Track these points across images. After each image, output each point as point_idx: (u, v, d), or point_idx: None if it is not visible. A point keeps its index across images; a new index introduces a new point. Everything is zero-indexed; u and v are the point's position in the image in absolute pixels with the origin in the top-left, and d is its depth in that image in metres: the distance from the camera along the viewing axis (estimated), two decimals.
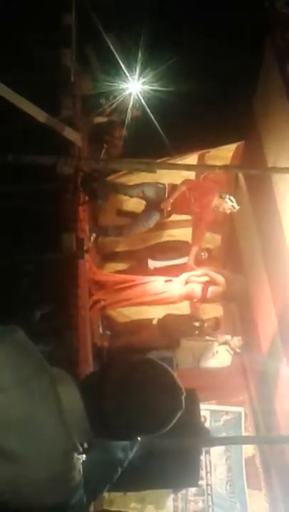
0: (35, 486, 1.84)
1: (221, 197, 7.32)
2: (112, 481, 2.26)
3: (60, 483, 1.88)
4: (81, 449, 1.96)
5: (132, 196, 7.79)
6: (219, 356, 7.32)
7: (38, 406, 1.86)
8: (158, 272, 8.34)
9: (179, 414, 2.00)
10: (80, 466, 1.96)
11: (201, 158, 7.61)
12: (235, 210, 7.45)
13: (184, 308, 8.28)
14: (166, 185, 7.54)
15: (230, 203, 7.32)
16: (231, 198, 7.33)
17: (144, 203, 7.81)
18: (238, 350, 7.39)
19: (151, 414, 1.96)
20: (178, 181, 7.88)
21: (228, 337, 7.51)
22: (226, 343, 7.39)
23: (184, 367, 7.31)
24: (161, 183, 7.60)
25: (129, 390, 1.94)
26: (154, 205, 7.63)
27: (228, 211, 7.47)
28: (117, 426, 1.94)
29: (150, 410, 1.94)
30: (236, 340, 7.41)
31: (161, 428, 2.00)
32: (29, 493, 1.84)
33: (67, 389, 1.93)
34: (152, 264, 8.54)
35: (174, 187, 7.51)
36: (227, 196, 7.32)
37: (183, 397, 2.01)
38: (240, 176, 7.82)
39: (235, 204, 7.34)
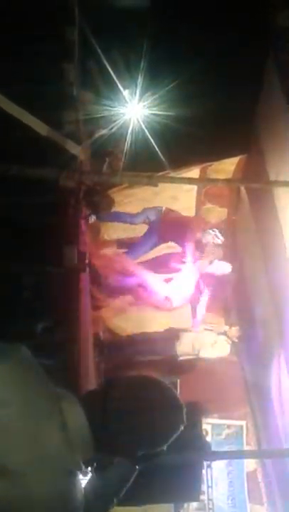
0: (36, 506, 1.83)
1: (205, 232, 7.48)
2: (112, 504, 2.24)
3: (60, 503, 1.87)
4: (84, 468, 1.97)
5: (136, 224, 7.85)
6: (218, 346, 7.38)
7: (42, 424, 1.86)
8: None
9: (181, 429, 2.04)
10: (81, 487, 1.96)
11: (203, 171, 7.62)
12: (220, 241, 7.54)
13: None
14: (164, 209, 7.63)
15: (212, 233, 7.46)
16: (215, 230, 7.50)
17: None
18: (235, 340, 7.46)
19: (155, 430, 1.99)
20: (179, 195, 7.95)
21: (226, 327, 7.61)
22: (224, 333, 7.46)
23: (184, 358, 7.44)
24: (159, 207, 7.76)
25: (132, 409, 1.96)
26: (154, 227, 7.70)
27: (213, 243, 7.53)
28: (121, 444, 1.97)
29: (153, 427, 1.98)
30: (234, 330, 7.49)
31: (163, 443, 2.04)
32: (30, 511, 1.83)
33: (71, 408, 1.94)
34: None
35: (171, 211, 7.56)
36: (210, 230, 7.48)
37: (184, 412, 2.04)
38: (242, 189, 7.84)
39: (218, 234, 7.48)
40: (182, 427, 2.04)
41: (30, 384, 1.91)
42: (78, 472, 1.93)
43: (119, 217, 7.88)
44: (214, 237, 7.49)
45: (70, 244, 5.86)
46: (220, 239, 7.52)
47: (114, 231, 8.36)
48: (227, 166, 7.63)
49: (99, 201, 6.34)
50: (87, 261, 5.98)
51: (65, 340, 5.45)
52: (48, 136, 5.83)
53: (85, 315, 5.99)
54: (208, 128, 6.34)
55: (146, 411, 1.96)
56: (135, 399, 1.98)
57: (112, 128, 6.16)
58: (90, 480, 2.19)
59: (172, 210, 7.88)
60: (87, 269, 6.07)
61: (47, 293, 5.60)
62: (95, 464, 2.04)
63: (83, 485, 2.01)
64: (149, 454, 2.20)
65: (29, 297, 5.50)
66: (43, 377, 1.98)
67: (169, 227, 7.65)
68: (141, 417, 1.95)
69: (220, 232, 7.59)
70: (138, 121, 6.18)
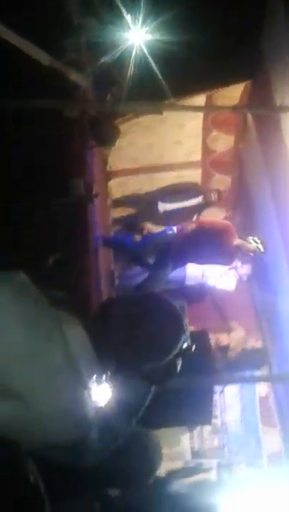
0: (47, 425, 1.87)
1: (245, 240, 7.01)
2: (130, 425, 2.29)
3: (69, 420, 1.90)
4: (91, 386, 1.99)
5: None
6: (226, 279, 7.40)
7: (44, 346, 1.88)
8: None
9: (183, 339, 2.08)
10: (92, 403, 1.99)
11: (209, 98, 7.49)
12: (260, 252, 7.09)
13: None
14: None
15: (254, 244, 6.98)
16: (255, 238, 7.00)
17: None
18: (244, 278, 7.48)
19: (157, 341, 2.01)
20: (186, 122, 7.84)
21: (238, 263, 7.60)
22: (234, 268, 7.49)
23: (192, 282, 7.53)
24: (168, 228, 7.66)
25: (133, 322, 1.98)
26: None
27: (252, 254, 7.10)
28: (125, 358, 1.99)
29: (155, 338, 2.00)
30: (245, 268, 7.49)
31: (167, 355, 2.06)
32: (42, 431, 1.88)
33: (72, 328, 1.95)
34: (162, 206, 8.54)
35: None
36: (250, 238, 7.01)
37: (184, 322, 2.08)
38: (249, 115, 7.72)
39: (260, 246, 6.99)
40: (184, 336, 2.07)
41: (29, 308, 1.92)
42: (85, 390, 1.96)
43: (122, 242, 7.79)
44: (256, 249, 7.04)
45: (77, 176, 5.84)
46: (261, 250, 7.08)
47: (120, 161, 8.32)
48: (233, 92, 7.47)
49: (104, 131, 6.26)
50: (94, 192, 5.95)
51: (76, 272, 5.50)
52: (50, 65, 5.73)
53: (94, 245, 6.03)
54: (213, 54, 6.19)
55: (145, 322, 1.98)
56: (133, 313, 2.01)
57: (114, 55, 6.01)
58: (107, 401, 2.23)
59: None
60: (95, 200, 6.06)
61: (56, 226, 5.61)
62: (109, 385, 2.08)
63: (98, 405, 2.04)
64: (162, 375, 2.25)
65: (39, 231, 5.52)
66: (42, 301, 1.98)
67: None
68: (140, 329, 1.97)
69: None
70: (141, 48, 6.03)
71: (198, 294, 7.66)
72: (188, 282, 7.72)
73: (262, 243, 6.89)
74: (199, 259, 7.07)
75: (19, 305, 1.91)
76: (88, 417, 1.96)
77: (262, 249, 6.94)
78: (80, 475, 2.19)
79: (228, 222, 7.31)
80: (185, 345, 2.25)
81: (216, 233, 6.80)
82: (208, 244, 6.70)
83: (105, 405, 2.22)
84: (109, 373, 2.06)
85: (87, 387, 1.97)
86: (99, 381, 2.01)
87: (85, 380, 1.96)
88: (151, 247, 7.27)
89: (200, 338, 6.14)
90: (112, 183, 8.51)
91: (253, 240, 6.93)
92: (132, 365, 2.05)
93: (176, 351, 2.07)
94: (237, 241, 6.83)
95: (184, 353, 2.33)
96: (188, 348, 2.47)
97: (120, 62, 6.21)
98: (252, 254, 7.00)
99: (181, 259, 6.97)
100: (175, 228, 7.36)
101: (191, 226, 7.18)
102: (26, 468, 1.65)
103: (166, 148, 8.43)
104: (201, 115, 7.92)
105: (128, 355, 1.99)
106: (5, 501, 1.54)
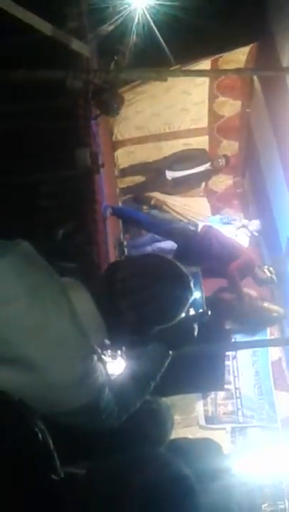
0: (58, 391, 1.88)
1: (259, 268, 7.00)
2: (148, 389, 2.27)
3: (81, 385, 1.91)
4: (100, 351, 2.00)
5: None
6: (238, 239, 7.41)
7: (50, 312, 1.88)
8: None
9: (190, 301, 2.06)
10: (101, 368, 2.00)
11: (214, 63, 7.38)
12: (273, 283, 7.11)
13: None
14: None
15: (268, 273, 6.95)
16: (270, 268, 6.99)
17: None
18: (255, 233, 7.50)
19: (164, 303, 1.99)
20: (191, 89, 7.77)
21: (246, 221, 7.63)
22: (244, 226, 7.50)
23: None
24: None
25: (140, 284, 1.97)
26: None
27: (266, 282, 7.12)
28: (132, 322, 1.98)
29: (162, 300, 1.98)
30: (254, 224, 7.50)
31: (174, 317, 2.05)
32: (53, 398, 1.89)
33: (77, 293, 1.95)
34: (170, 174, 8.50)
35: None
36: (266, 267, 7.02)
37: (192, 284, 2.05)
38: (255, 79, 7.62)
39: (274, 276, 6.96)
40: (191, 298, 2.05)
41: (33, 276, 1.92)
42: (95, 356, 1.96)
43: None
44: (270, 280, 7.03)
45: (82, 147, 5.81)
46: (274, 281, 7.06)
47: (126, 130, 8.27)
48: (238, 56, 7.37)
49: (109, 100, 6.20)
50: (100, 162, 5.92)
51: (85, 243, 5.50)
52: (52, 35, 5.67)
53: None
54: (218, 17, 6.10)
55: (151, 284, 1.96)
56: (139, 275, 1.99)
57: (117, 21, 5.93)
58: (125, 366, 2.24)
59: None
60: (101, 170, 6.03)
61: (63, 198, 5.60)
62: (124, 351, 2.08)
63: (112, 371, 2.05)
64: (179, 340, 2.26)
65: (47, 205, 5.52)
66: (46, 268, 1.98)
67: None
68: (147, 291, 1.95)
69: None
70: (144, 13, 5.95)
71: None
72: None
73: (276, 274, 6.90)
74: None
75: (24, 272, 1.91)
76: (99, 383, 1.97)
77: (275, 281, 6.98)
78: (91, 440, 2.20)
79: (253, 256, 7.28)
80: (200, 311, 2.25)
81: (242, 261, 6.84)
82: (222, 262, 6.72)
83: (121, 371, 2.24)
84: (122, 338, 2.08)
85: (97, 353, 1.98)
86: (110, 347, 2.02)
87: (94, 345, 1.97)
88: (167, 232, 7.31)
89: (214, 302, 6.14)
90: (119, 153, 8.46)
91: (267, 269, 6.96)
92: (140, 328, 2.05)
93: (183, 312, 2.07)
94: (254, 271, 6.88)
95: (200, 318, 2.35)
96: (204, 313, 2.48)
97: (123, 29, 6.14)
98: (263, 284, 7.04)
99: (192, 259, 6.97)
100: (200, 226, 7.32)
101: (218, 238, 7.15)
102: (34, 425, 1.66)
103: (172, 116, 8.36)
104: (206, 82, 7.84)
105: (136, 319, 1.98)
106: (12, 458, 1.55)
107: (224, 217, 7.98)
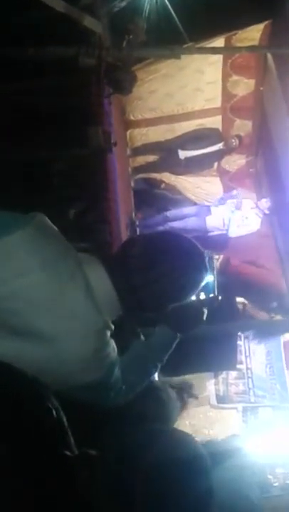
0: (70, 365, 1.88)
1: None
2: (155, 369, 2.29)
3: (93, 360, 1.91)
4: (113, 327, 1.98)
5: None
6: (249, 222, 7.40)
7: (65, 286, 1.87)
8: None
9: (205, 278, 2.03)
10: (114, 345, 1.99)
11: (227, 41, 7.30)
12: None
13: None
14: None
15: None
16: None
17: None
18: (266, 211, 7.49)
19: (179, 279, 1.97)
20: (205, 68, 7.69)
21: (257, 201, 7.72)
22: (254, 207, 7.51)
23: (214, 233, 7.62)
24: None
25: (154, 260, 1.95)
26: None
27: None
28: (146, 298, 1.97)
29: (177, 276, 1.96)
30: (264, 202, 7.48)
31: (187, 295, 2.04)
32: (64, 372, 1.89)
33: (93, 268, 1.95)
34: (183, 154, 8.46)
35: None
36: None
37: (206, 260, 2.04)
38: (269, 57, 7.52)
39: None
40: (206, 275, 2.03)
41: (48, 249, 1.91)
42: (108, 331, 1.96)
43: None
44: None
45: (94, 125, 5.77)
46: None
47: (139, 111, 8.22)
48: (252, 34, 7.28)
49: (121, 78, 6.15)
50: (112, 141, 5.88)
51: (97, 222, 5.49)
52: (64, 12, 5.61)
53: (114, 194, 5.99)
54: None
55: (166, 260, 1.95)
56: (154, 252, 1.97)
57: None
58: (133, 345, 2.24)
59: None
60: (114, 149, 5.99)
61: (76, 177, 5.58)
62: (133, 329, 2.07)
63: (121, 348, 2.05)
64: (188, 323, 2.24)
65: (59, 183, 5.50)
66: (62, 242, 1.98)
67: None
68: (161, 267, 1.94)
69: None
70: None
71: (221, 243, 7.68)
72: (210, 232, 7.73)
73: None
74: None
75: (40, 245, 1.90)
76: (111, 359, 1.97)
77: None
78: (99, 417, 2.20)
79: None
80: (211, 295, 2.23)
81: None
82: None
83: (134, 350, 2.24)
84: (134, 316, 2.07)
85: (110, 329, 1.97)
86: (122, 323, 2.02)
87: (108, 321, 1.96)
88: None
89: (225, 284, 6.15)
90: (131, 133, 8.42)
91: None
92: (152, 306, 2.03)
93: (196, 291, 2.04)
94: None
95: (210, 303, 2.34)
96: (215, 298, 2.46)
97: (136, 6, 6.09)
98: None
99: None
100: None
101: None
102: (48, 402, 1.65)
103: (185, 97, 8.28)
104: (220, 60, 7.74)
105: (150, 295, 1.97)
106: (27, 435, 1.55)
107: (221, 199, 8.03)
